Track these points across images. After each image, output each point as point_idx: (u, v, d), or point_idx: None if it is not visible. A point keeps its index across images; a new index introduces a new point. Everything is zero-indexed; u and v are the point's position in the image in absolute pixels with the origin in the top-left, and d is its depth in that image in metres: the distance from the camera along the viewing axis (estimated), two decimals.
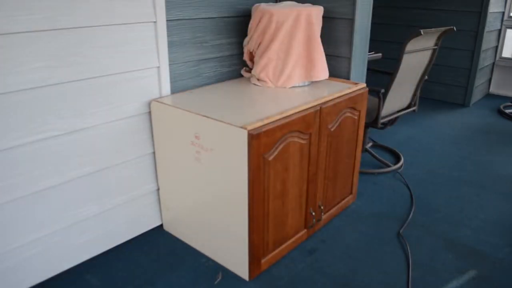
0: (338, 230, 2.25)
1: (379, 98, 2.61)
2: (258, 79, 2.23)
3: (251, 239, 1.79)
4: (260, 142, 1.66)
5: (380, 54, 3.13)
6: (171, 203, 2.15)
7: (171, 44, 2.03)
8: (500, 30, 4.71)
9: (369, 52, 2.93)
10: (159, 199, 2.21)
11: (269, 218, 1.85)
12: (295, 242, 2.08)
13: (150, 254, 2.06)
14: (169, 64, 2.05)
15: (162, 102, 1.94)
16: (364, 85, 2.28)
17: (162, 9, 1.92)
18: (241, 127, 1.62)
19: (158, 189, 2.18)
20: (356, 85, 2.24)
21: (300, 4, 2.25)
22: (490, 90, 5.00)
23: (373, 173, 2.90)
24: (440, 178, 2.86)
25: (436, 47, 2.73)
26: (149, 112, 2.03)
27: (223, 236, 1.90)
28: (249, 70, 2.35)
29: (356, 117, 2.24)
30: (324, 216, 2.24)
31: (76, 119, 1.77)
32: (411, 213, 2.42)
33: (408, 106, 2.98)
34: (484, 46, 4.31)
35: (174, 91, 2.11)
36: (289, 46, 2.11)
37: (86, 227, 1.95)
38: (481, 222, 2.36)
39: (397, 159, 3.12)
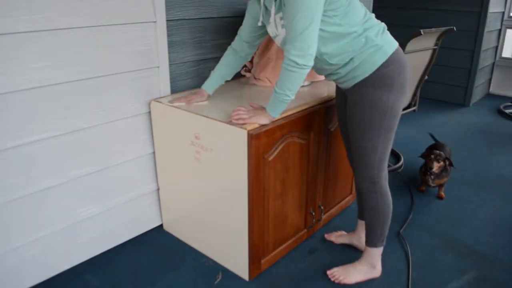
0: (338, 230, 2.25)
1: None
2: (257, 79, 2.23)
3: (251, 239, 1.78)
4: (260, 142, 1.66)
5: None
6: (171, 203, 2.15)
7: (171, 44, 2.03)
8: (500, 30, 4.71)
9: None
10: (159, 199, 2.21)
11: (269, 218, 1.85)
12: (295, 242, 2.08)
13: (150, 254, 2.06)
14: (169, 64, 2.05)
15: (162, 102, 1.94)
16: None
17: (162, 9, 1.92)
18: (241, 127, 1.62)
19: (158, 189, 2.18)
20: None
21: None
22: (490, 90, 5.00)
23: None
24: None
25: (436, 47, 2.72)
26: (149, 112, 2.03)
27: (223, 236, 1.90)
28: (249, 70, 2.35)
29: None
30: (324, 216, 2.24)
31: (76, 119, 1.77)
32: (411, 213, 2.42)
33: (408, 106, 2.97)
34: (484, 46, 4.31)
35: (174, 91, 2.11)
36: None
37: (86, 227, 1.95)
38: (481, 222, 2.36)
39: (397, 159, 3.12)
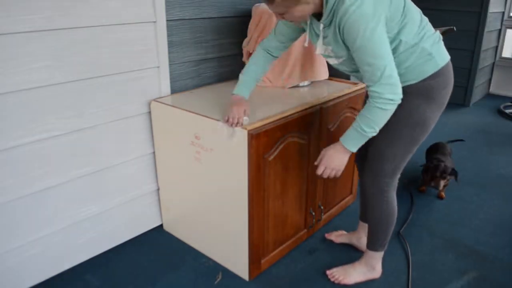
0: (338, 230, 2.25)
1: None
2: None
3: (251, 239, 1.78)
4: (260, 142, 1.66)
5: None
6: (171, 203, 2.15)
7: (171, 44, 2.03)
8: (500, 30, 4.71)
9: None
10: (159, 199, 2.21)
11: (269, 218, 1.85)
12: (295, 242, 2.08)
13: (150, 254, 2.06)
14: (169, 64, 2.05)
15: (162, 102, 1.94)
16: (364, 85, 2.27)
17: (162, 9, 1.92)
18: (241, 127, 1.62)
19: (158, 189, 2.18)
20: (356, 85, 2.24)
21: None
22: (490, 90, 5.00)
23: None
24: None
25: None
26: (149, 112, 2.03)
27: (223, 236, 1.90)
28: None
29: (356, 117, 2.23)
30: (324, 216, 2.24)
31: (76, 119, 1.77)
32: (411, 213, 2.42)
33: None
34: (484, 46, 4.30)
35: (174, 91, 2.11)
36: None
37: (86, 227, 1.95)
38: (481, 222, 2.36)
39: None
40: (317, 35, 1.53)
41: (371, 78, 1.40)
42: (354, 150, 1.52)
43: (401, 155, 1.62)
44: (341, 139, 1.53)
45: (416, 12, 1.51)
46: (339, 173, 1.61)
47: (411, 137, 1.58)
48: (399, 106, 1.51)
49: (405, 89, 1.50)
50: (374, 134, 1.47)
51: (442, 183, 2.48)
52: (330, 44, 1.49)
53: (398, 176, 1.71)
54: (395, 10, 1.41)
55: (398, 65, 1.47)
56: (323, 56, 1.61)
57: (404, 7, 1.45)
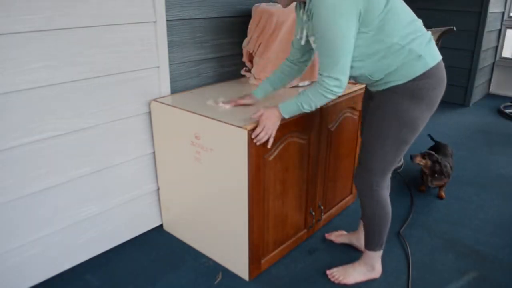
0: (338, 230, 2.25)
1: None
2: (257, 79, 2.23)
3: (251, 239, 1.78)
4: None
5: None
6: (171, 203, 2.15)
7: (171, 44, 2.03)
8: (500, 30, 4.71)
9: None
10: (159, 199, 2.21)
11: (269, 218, 1.85)
12: (295, 242, 2.08)
13: (150, 254, 2.06)
14: (169, 64, 2.05)
15: (162, 102, 1.94)
16: (364, 85, 2.27)
17: (162, 9, 1.92)
18: (241, 127, 1.62)
19: (158, 189, 2.18)
20: (356, 85, 2.24)
21: None
22: (490, 90, 5.00)
23: None
24: None
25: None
26: (149, 112, 2.03)
27: (223, 236, 1.90)
28: (249, 70, 2.35)
29: (356, 117, 2.24)
30: (324, 216, 2.24)
31: (76, 119, 1.77)
32: (411, 213, 2.42)
33: None
34: (484, 46, 4.30)
35: (174, 91, 2.11)
36: (289, 46, 2.10)
37: (86, 227, 1.95)
38: (481, 222, 2.36)
39: None
40: (301, 25, 1.62)
41: (324, 67, 1.48)
42: (287, 117, 1.62)
43: (391, 155, 1.63)
44: (280, 105, 1.61)
45: (404, 11, 1.50)
46: (272, 139, 1.64)
47: (399, 137, 1.59)
48: (387, 105, 1.56)
49: (394, 89, 1.53)
50: (309, 111, 1.60)
51: (418, 159, 2.51)
52: (312, 35, 1.56)
53: (389, 175, 1.71)
54: (375, 2, 1.42)
55: (387, 66, 1.50)
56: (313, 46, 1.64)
57: (387, 2, 1.44)
